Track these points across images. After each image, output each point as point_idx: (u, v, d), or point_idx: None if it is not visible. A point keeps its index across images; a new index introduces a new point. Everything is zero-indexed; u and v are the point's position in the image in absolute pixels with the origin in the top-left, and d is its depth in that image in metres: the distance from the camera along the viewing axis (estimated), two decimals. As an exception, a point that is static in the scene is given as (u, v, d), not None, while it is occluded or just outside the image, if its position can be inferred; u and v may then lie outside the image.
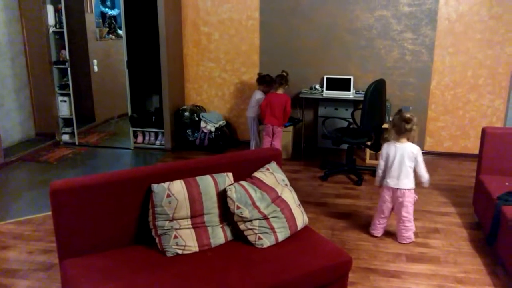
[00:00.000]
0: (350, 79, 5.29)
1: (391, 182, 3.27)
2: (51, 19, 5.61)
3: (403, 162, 3.23)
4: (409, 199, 3.26)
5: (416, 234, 3.44)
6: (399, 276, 2.90)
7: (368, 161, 5.20)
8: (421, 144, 5.44)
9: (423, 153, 5.46)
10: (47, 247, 3.23)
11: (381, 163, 3.33)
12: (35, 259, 3.08)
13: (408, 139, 3.30)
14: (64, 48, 5.62)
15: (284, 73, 5.01)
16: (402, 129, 3.23)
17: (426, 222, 3.67)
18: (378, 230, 3.43)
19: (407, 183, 3.24)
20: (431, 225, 3.63)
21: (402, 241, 3.34)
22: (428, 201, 4.11)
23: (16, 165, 5.03)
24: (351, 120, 4.79)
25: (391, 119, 3.49)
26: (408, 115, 3.23)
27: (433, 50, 5.22)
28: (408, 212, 3.28)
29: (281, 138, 5.00)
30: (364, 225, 3.60)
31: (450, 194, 4.28)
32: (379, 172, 3.36)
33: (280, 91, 4.90)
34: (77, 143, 5.84)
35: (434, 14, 5.12)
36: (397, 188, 3.25)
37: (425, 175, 3.26)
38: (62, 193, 2.17)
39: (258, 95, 5.24)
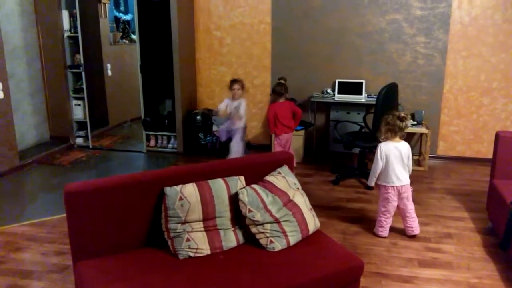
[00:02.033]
0: (362, 83, 5.28)
1: (396, 181, 3.34)
2: (66, 24, 5.70)
3: (403, 160, 3.34)
4: (410, 192, 3.41)
5: (428, 239, 3.43)
6: (411, 281, 2.88)
7: (380, 165, 5.18)
8: (434, 148, 5.40)
9: (436, 157, 5.47)
10: (60, 249, 3.27)
11: (380, 164, 3.36)
12: (49, 260, 3.12)
13: (401, 138, 3.38)
14: (79, 53, 5.70)
15: (282, 81, 4.80)
16: (396, 128, 3.31)
17: (438, 227, 3.64)
18: (386, 231, 3.46)
19: (407, 177, 3.38)
20: (444, 230, 3.60)
21: (414, 233, 3.43)
22: (441, 206, 4.08)
23: (31, 167, 5.11)
24: (363, 124, 4.78)
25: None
26: (402, 114, 3.34)
27: (446, 53, 5.19)
28: (411, 203, 3.42)
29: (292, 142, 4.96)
30: (372, 231, 3.58)
31: (463, 199, 4.24)
32: (377, 172, 3.40)
33: (282, 99, 4.65)
34: (90, 146, 5.91)
35: (447, 17, 5.09)
36: (401, 185, 3.34)
37: (411, 168, 3.44)
38: (76, 195, 2.20)
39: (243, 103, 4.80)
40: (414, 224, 3.44)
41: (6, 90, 4.75)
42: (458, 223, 3.74)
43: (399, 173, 3.34)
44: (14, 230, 3.59)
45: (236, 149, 4.85)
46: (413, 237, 3.46)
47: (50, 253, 3.22)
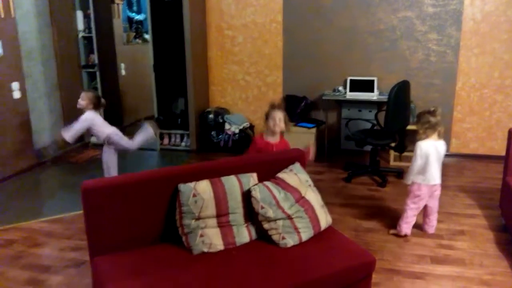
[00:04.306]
0: (373, 80, 5.28)
1: (431, 180, 3.33)
2: (80, 25, 5.79)
3: (440, 159, 3.34)
4: (440, 191, 3.42)
5: (441, 236, 3.43)
6: (423, 278, 2.90)
7: (392, 162, 5.18)
8: (446, 146, 5.36)
9: (448, 155, 5.44)
10: (77, 244, 3.35)
11: (419, 162, 3.31)
12: (67, 256, 3.20)
13: (439, 134, 3.34)
14: (93, 53, 5.79)
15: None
16: (432, 123, 3.28)
17: (451, 224, 3.64)
18: (410, 228, 3.45)
19: (440, 176, 3.38)
20: (456, 227, 3.60)
21: (433, 231, 3.48)
22: (454, 203, 4.07)
23: (47, 166, 5.21)
24: (374, 122, 4.79)
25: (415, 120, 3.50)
26: (432, 108, 3.34)
27: (458, 51, 5.16)
28: (437, 202, 3.44)
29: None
30: (388, 226, 3.59)
31: (477, 196, 4.23)
32: (415, 171, 3.35)
33: (277, 137, 3.27)
34: (105, 145, 5.99)
35: (459, 14, 5.07)
36: (435, 184, 3.36)
37: None
38: (93, 192, 2.26)
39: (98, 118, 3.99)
40: (435, 223, 3.48)
41: (23, 90, 4.85)
42: (471, 220, 3.73)
43: (435, 172, 3.32)
44: (33, 226, 3.68)
45: None
46: (424, 234, 3.46)
47: (67, 249, 3.29)
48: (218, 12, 5.74)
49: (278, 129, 3.16)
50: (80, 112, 3.93)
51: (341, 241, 2.55)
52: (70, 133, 3.82)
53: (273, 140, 3.22)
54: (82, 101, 3.85)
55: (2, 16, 4.54)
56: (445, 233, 3.49)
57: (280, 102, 3.43)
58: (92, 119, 3.87)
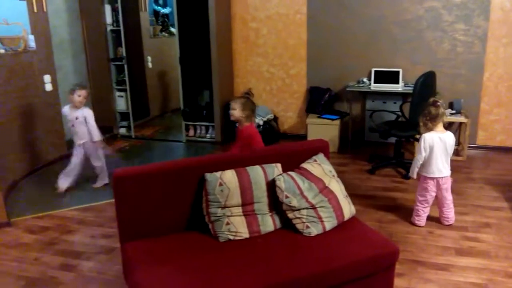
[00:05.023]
0: (398, 71, 5.24)
1: (437, 172, 3.32)
2: (108, 18, 5.92)
3: (447, 151, 3.31)
4: (449, 183, 3.39)
5: (466, 228, 3.42)
6: (447, 269, 2.90)
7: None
8: (473, 138, 5.31)
9: (475, 147, 5.37)
10: (107, 232, 3.47)
11: (423, 155, 3.32)
12: (97, 242, 3.32)
13: (444, 125, 3.33)
14: (121, 46, 5.91)
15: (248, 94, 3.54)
16: (432, 114, 3.27)
17: (477, 217, 3.62)
18: (423, 220, 3.47)
19: (448, 169, 3.35)
20: (482, 219, 3.57)
21: (449, 223, 3.46)
22: (480, 195, 4.04)
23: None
24: (399, 113, 4.76)
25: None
26: (434, 99, 3.31)
27: (486, 41, 5.07)
28: (450, 194, 3.41)
29: None
30: (409, 220, 3.60)
31: (503, 188, 4.17)
32: (419, 163, 3.36)
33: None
34: (133, 136, 6.14)
35: (487, 4, 4.97)
36: (442, 177, 3.33)
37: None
38: (124, 180, 2.34)
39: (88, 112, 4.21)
40: (450, 215, 3.45)
41: (54, 83, 5.01)
42: (497, 212, 3.70)
43: (440, 164, 3.30)
44: (65, 214, 3.82)
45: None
46: (448, 226, 3.46)
47: (98, 236, 3.42)
48: (243, 4, 5.77)
49: (232, 118, 3.38)
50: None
51: (365, 231, 2.57)
52: (97, 132, 4.17)
53: (240, 127, 3.43)
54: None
55: (35, 11, 4.69)
56: (470, 225, 3.47)
57: (243, 93, 3.58)
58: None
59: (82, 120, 4.14)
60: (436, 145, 3.28)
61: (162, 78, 7.25)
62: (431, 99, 3.34)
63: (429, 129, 3.32)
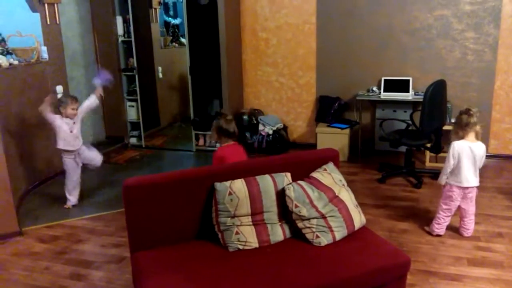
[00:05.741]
0: (408, 80, 5.23)
1: (464, 181, 3.27)
2: (120, 29, 5.98)
3: (475, 161, 3.25)
4: (475, 193, 3.34)
5: (478, 238, 3.38)
6: (460, 280, 2.86)
7: (428, 163, 5.10)
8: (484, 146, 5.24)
9: (487, 155, 5.29)
10: (117, 241, 3.49)
11: (452, 162, 3.27)
12: (108, 252, 3.34)
13: (476, 135, 3.27)
14: (132, 56, 5.97)
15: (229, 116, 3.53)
16: (463, 123, 3.23)
17: (489, 226, 3.57)
18: (442, 229, 3.42)
19: (476, 180, 3.30)
20: (494, 229, 3.53)
21: (468, 234, 3.40)
22: (492, 205, 3.99)
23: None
24: (409, 122, 4.73)
25: (452, 120, 3.44)
26: (468, 107, 3.26)
27: (497, 49, 5.04)
28: (474, 205, 3.35)
29: None
30: (423, 228, 3.56)
31: (516, 198, 4.13)
32: (448, 171, 3.31)
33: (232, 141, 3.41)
34: (143, 146, 6.17)
35: (497, 12, 4.95)
36: (467, 186, 3.28)
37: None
38: (134, 189, 2.35)
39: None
40: (470, 226, 3.40)
41: (66, 93, 5.07)
42: (510, 222, 3.65)
43: (468, 174, 3.25)
44: (75, 223, 3.85)
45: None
46: (460, 236, 3.42)
47: (108, 245, 3.43)
48: (253, 15, 5.81)
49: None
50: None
51: (375, 241, 2.55)
52: (91, 96, 4.34)
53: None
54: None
55: (48, 22, 4.77)
56: (482, 235, 3.43)
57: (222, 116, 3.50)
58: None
59: (78, 120, 4.14)
60: (465, 154, 3.23)
61: (172, 88, 7.30)
62: (465, 107, 3.28)
63: (460, 138, 3.27)
